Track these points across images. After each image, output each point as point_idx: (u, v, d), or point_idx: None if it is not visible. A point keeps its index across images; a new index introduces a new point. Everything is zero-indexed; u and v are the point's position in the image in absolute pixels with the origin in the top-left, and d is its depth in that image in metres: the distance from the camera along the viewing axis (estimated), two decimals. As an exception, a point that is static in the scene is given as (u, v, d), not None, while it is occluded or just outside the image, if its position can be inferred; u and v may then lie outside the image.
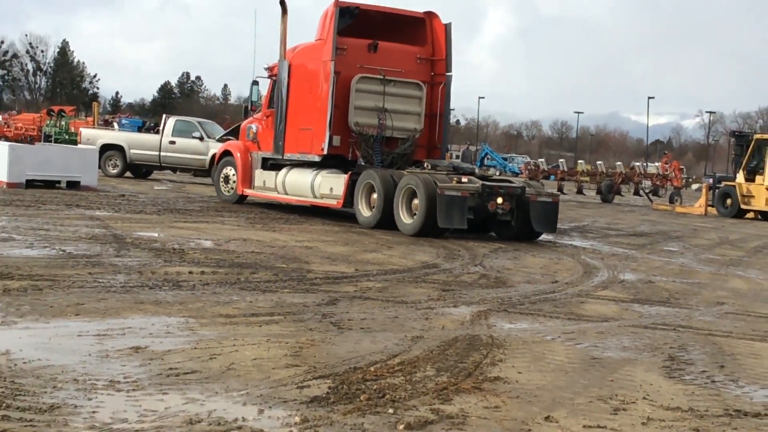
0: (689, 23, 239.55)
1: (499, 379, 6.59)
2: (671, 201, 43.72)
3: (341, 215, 20.41)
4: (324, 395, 5.79)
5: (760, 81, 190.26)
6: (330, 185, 19.06)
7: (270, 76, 21.42)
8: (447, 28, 19.88)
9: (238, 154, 22.23)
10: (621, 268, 14.31)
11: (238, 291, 9.57)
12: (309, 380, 6.14)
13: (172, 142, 31.56)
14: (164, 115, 34.14)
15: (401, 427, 5.25)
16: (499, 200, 16.84)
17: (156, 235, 14.27)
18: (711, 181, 40.40)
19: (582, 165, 60.49)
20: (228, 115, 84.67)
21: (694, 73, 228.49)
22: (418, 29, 20.12)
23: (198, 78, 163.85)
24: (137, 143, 32.28)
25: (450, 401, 5.88)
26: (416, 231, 16.63)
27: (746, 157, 36.45)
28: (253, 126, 22.08)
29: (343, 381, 6.16)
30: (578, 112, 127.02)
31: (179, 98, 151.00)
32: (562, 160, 71.51)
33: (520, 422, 5.55)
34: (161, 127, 32.69)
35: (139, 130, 38.28)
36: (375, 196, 17.78)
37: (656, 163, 60.73)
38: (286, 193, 20.55)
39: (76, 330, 7.20)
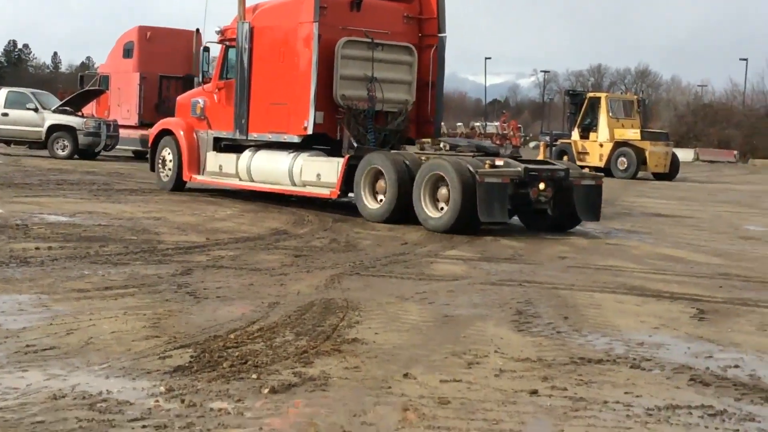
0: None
1: (356, 340, 6.77)
2: (510, 159, 44.75)
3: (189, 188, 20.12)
4: (187, 364, 5.85)
5: (590, 40, 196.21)
6: (316, 171, 16.16)
7: (222, 41, 18.20)
8: None
9: (182, 133, 18.81)
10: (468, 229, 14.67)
11: (89, 265, 9.46)
12: (170, 350, 6.18)
13: (5, 114, 30.59)
14: (-6, 86, 32.98)
15: (266, 391, 5.36)
16: (541, 186, 14.23)
17: (-3, 211, 13.89)
18: (548, 139, 41.66)
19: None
20: (60, 84, 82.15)
21: (528, 33, 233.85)
22: None
23: (26, 46, 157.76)
24: (-33, 116, 31.14)
25: (311, 364, 6.02)
26: (448, 227, 13.86)
27: (580, 116, 37.77)
28: (200, 100, 18.70)
29: (205, 349, 6.23)
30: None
31: (6, 68, 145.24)
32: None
33: (380, 380, 5.73)
34: (-7, 99, 31.57)
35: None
36: (382, 183, 14.97)
37: (495, 123, 62.12)
38: (252, 180, 17.50)
39: (-76, 312, 7.03)
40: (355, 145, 15.94)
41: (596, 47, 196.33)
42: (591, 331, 7.48)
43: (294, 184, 16.56)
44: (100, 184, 20.09)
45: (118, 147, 31.64)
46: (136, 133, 31.43)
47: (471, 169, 13.85)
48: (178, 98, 20.39)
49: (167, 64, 31.80)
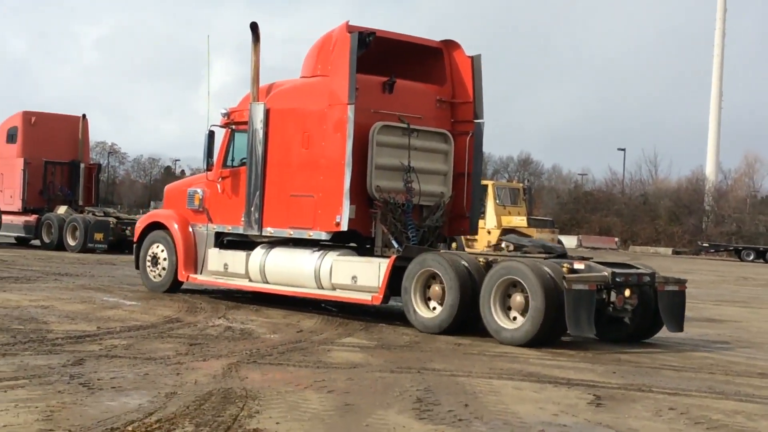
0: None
1: (258, 430, 6.67)
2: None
3: (72, 273, 19.72)
4: (84, 459, 5.67)
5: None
6: (351, 273, 13.98)
7: (227, 124, 16.12)
8: (474, 61, 15.33)
9: (176, 227, 16.53)
10: (364, 315, 14.65)
11: (-25, 356, 9.15)
12: (66, 445, 5.99)
13: None
14: None
15: (169, 485, 5.22)
16: (627, 293, 12.58)
17: None
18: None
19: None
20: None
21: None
22: (435, 63, 15.61)
23: None
24: None
25: (214, 456, 5.90)
26: (528, 339, 12.02)
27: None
28: (199, 190, 16.46)
29: (102, 443, 6.05)
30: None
31: None
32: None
33: (285, 472, 5.64)
34: None
35: None
36: (437, 288, 13.04)
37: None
38: (266, 282, 15.17)
39: None
40: (395, 243, 14.16)
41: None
42: (492, 419, 7.50)
43: (321, 287, 14.44)
44: (-17, 271, 19.52)
45: (0, 234, 30.86)
46: (20, 219, 30.80)
47: (551, 273, 12.16)
48: (167, 188, 18.13)
49: (52, 150, 31.39)
